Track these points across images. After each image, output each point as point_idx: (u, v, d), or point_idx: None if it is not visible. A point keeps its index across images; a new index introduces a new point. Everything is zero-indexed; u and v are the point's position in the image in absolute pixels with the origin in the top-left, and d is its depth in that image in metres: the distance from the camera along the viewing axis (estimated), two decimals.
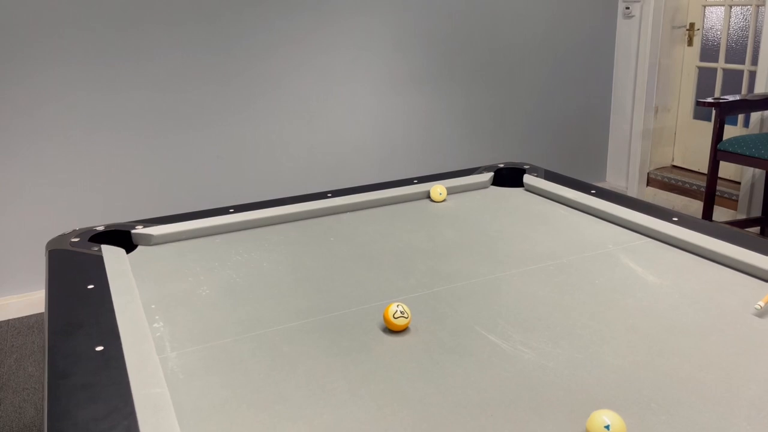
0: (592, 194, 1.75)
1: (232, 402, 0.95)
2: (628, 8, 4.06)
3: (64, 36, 2.87)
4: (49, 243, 1.51)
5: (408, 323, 1.12)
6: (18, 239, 2.98)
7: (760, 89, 3.46)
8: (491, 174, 1.99)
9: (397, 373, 1.00)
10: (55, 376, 0.96)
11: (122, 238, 1.58)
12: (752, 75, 3.70)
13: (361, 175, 3.65)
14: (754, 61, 3.69)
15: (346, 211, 1.78)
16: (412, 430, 0.87)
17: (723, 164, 3.83)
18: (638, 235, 1.54)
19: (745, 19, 3.75)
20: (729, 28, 3.83)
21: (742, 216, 3.65)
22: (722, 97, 3.24)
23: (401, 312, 1.12)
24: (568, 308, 1.20)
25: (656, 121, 4.14)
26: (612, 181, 4.41)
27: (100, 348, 1.04)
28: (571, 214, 1.70)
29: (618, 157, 4.33)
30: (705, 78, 4.03)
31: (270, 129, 3.36)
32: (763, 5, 3.61)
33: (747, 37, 3.75)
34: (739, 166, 3.65)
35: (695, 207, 3.94)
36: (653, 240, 1.50)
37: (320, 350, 1.08)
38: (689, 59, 4.08)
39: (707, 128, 4.02)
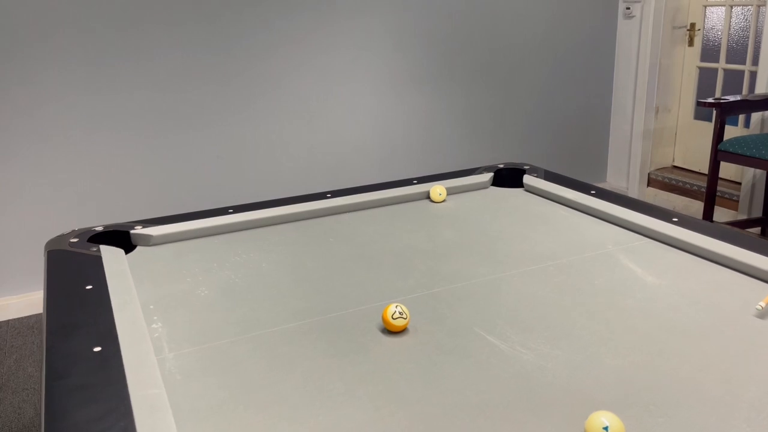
0: (592, 195, 1.75)
1: (229, 403, 0.94)
2: (628, 8, 4.06)
3: (64, 36, 2.86)
4: (48, 243, 1.51)
5: (407, 324, 1.12)
6: (18, 239, 2.98)
7: (760, 89, 3.46)
8: (491, 174, 1.98)
9: (395, 374, 1.00)
10: (53, 376, 0.96)
11: (121, 238, 1.58)
12: (753, 75, 3.70)
13: (361, 175, 3.64)
14: (755, 62, 3.68)
15: (345, 212, 1.78)
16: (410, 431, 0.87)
17: (724, 165, 3.83)
18: (638, 235, 1.53)
19: (746, 20, 3.75)
20: (730, 29, 3.82)
21: (742, 216, 3.65)
22: (723, 97, 3.24)
23: (400, 313, 1.11)
24: (568, 309, 1.19)
25: (657, 121, 4.14)
26: (612, 181, 4.41)
27: (97, 348, 1.03)
28: (571, 215, 1.70)
29: (618, 157, 4.33)
30: (706, 78, 4.02)
31: (270, 129, 3.36)
32: (764, 5, 3.61)
33: (748, 37, 3.74)
34: (740, 166, 3.64)
35: (696, 207, 3.94)
36: (653, 240, 1.50)
37: (318, 351, 1.08)
38: (690, 59, 4.07)
39: (708, 129, 4.01)
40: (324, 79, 3.43)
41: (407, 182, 1.93)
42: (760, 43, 3.58)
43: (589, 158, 4.34)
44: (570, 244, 1.50)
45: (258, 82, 3.28)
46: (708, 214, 3.29)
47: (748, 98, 3.22)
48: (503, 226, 1.63)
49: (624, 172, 4.31)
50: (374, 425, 0.88)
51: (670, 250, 1.44)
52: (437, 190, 1.84)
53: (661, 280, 1.29)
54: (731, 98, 3.21)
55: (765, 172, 3.47)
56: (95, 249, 1.46)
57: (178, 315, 1.22)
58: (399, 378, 0.99)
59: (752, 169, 3.55)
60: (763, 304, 1.15)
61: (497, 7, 3.76)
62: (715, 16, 3.94)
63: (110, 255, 1.44)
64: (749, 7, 3.71)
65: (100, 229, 1.58)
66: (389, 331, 1.13)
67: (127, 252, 1.54)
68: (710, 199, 3.28)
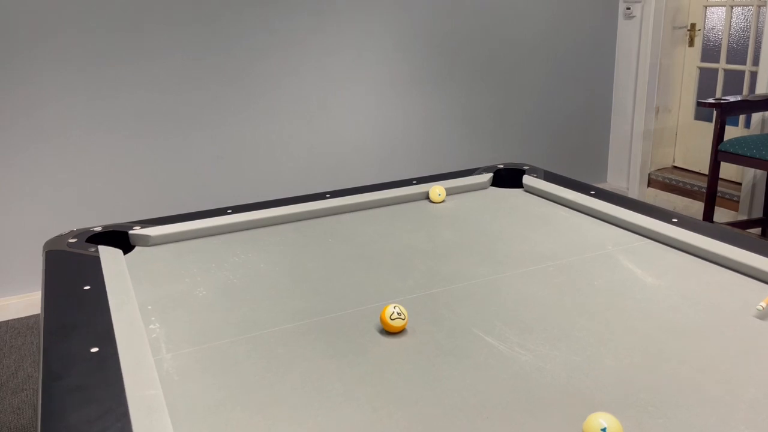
0: (592, 195, 1.74)
1: (226, 404, 0.94)
2: (629, 8, 4.06)
3: (64, 37, 2.86)
4: (47, 244, 1.50)
5: (405, 325, 1.12)
6: (18, 240, 2.98)
7: (761, 90, 3.45)
8: (490, 175, 1.98)
9: (393, 375, 1.00)
10: (50, 377, 0.96)
11: (120, 238, 1.58)
12: (753, 75, 3.69)
13: (361, 175, 3.64)
14: (755, 62, 3.68)
15: (344, 212, 1.78)
16: None
17: (724, 165, 3.82)
18: (638, 236, 1.53)
19: (746, 20, 3.74)
20: (730, 29, 3.82)
21: (743, 217, 3.64)
22: (723, 97, 3.23)
23: (398, 313, 1.11)
24: (567, 310, 1.19)
25: (657, 121, 4.14)
26: (613, 182, 4.40)
27: (95, 349, 1.03)
28: (571, 215, 1.69)
29: (619, 157, 4.33)
30: (706, 78, 4.02)
31: (270, 129, 3.36)
32: (765, 5, 3.60)
33: (748, 37, 3.74)
34: (741, 167, 3.64)
35: (696, 208, 3.93)
36: (653, 241, 1.49)
37: (316, 352, 1.07)
38: (690, 60, 4.07)
39: (708, 129, 4.01)
40: (324, 80, 3.42)
41: (407, 182, 1.92)
42: (760, 43, 3.57)
43: (590, 158, 4.34)
44: (569, 244, 1.50)
45: (258, 82, 3.28)
46: (708, 215, 3.28)
47: (748, 98, 3.22)
48: (503, 227, 1.63)
49: (624, 173, 4.31)
50: (372, 426, 0.88)
51: (669, 251, 1.44)
52: (436, 190, 1.84)
53: (660, 281, 1.29)
54: (731, 98, 3.21)
55: (765, 172, 3.46)
56: (93, 249, 1.46)
57: (177, 315, 1.22)
58: (397, 379, 0.99)
59: (752, 170, 3.54)
60: (763, 304, 1.14)
61: (497, 7, 3.76)
62: (716, 17, 3.93)
63: (108, 255, 1.43)
64: (749, 7, 3.71)
65: (98, 229, 1.58)
66: (387, 331, 1.12)
67: (125, 252, 1.53)
68: (710, 200, 3.27)
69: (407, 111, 3.67)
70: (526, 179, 1.92)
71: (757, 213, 3.56)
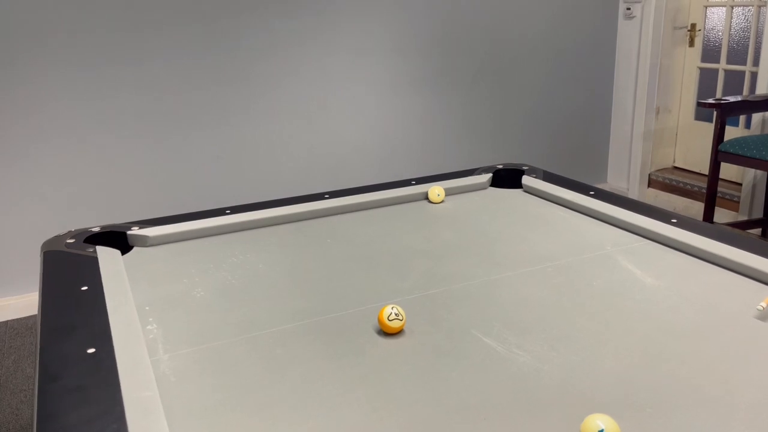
0: (591, 195, 1.74)
1: (224, 405, 0.94)
2: (629, 9, 4.05)
3: (63, 37, 2.86)
4: (45, 244, 1.50)
5: (402, 325, 1.11)
6: (17, 240, 2.97)
7: (761, 90, 3.45)
8: (490, 175, 1.97)
9: (390, 376, 0.99)
10: (46, 378, 0.95)
11: (118, 239, 1.57)
12: (753, 76, 3.69)
13: (361, 175, 3.64)
14: (756, 62, 3.67)
15: (343, 213, 1.77)
16: None
17: (724, 165, 3.82)
18: (637, 236, 1.53)
19: (747, 20, 3.74)
20: (730, 29, 3.81)
21: (743, 217, 3.64)
22: (723, 98, 3.23)
23: (396, 314, 1.10)
24: (565, 310, 1.18)
25: (657, 122, 4.13)
26: (613, 182, 4.40)
27: (91, 350, 1.03)
28: (570, 216, 1.69)
29: (619, 158, 4.32)
30: (706, 79, 4.02)
31: (270, 130, 3.36)
32: (765, 6, 3.60)
33: (748, 37, 3.73)
34: (741, 167, 3.63)
35: (696, 208, 3.93)
36: (652, 242, 1.49)
37: (314, 353, 1.07)
38: (690, 60, 4.06)
39: (708, 129, 4.00)
40: (323, 80, 3.42)
41: (405, 183, 1.92)
42: (760, 43, 3.57)
43: (590, 159, 4.33)
44: (568, 245, 1.50)
45: (258, 83, 3.27)
46: (708, 215, 3.28)
47: (748, 99, 3.21)
48: (501, 227, 1.63)
49: (624, 173, 4.31)
50: (370, 427, 0.87)
51: (669, 252, 1.43)
52: (436, 190, 1.83)
53: (659, 282, 1.29)
54: (731, 99, 3.20)
55: (765, 173, 3.46)
56: (91, 250, 1.46)
57: (174, 316, 1.21)
58: (395, 380, 0.98)
59: (753, 170, 3.54)
60: (764, 304, 1.14)
61: (497, 7, 3.75)
62: (716, 17, 3.93)
63: (106, 256, 1.43)
64: (750, 7, 3.70)
65: (96, 229, 1.57)
66: (385, 332, 1.12)
67: (123, 253, 1.53)
68: (711, 200, 3.27)
69: (407, 111, 3.67)
70: (526, 180, 1.92)
71: (758, 213, 3.56)
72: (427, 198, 1.87)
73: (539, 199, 1.84)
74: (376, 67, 3.53)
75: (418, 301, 1.24)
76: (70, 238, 1.52)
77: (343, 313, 1.21)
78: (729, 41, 3.83)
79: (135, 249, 1.56)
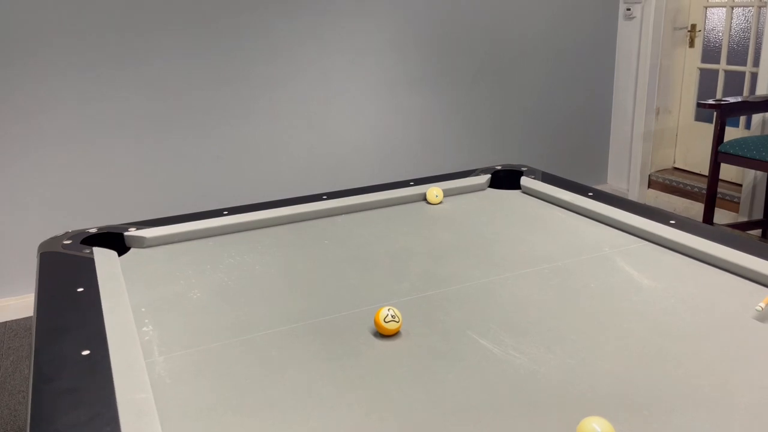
0: (590, 197, 1.74)
1: (218, 407, 0.93)
2: (629, 9, 4.05)
3: (63, 40, 2.86)
4: (41, 245, 1.50)
5: (399, 327, 1.11)
6: (16, 241, 2.97)
7: (761, 91, 3.44)
8: (488, 176, 1.97)
9: (386, 378, 0.99)
10: (40, 379, 0.95)
11: (115, 240, 1.57)
12: (754, 76, 3.68)
13: (361, 176, 3.63)
14: (756, 63, 3.67)
15: (341, 214, 1.77)
16: None
17: (724, 166, 3.81)
18: (635, 238, 1.52)
19: (747, 21, 3.73)
20: (730, 30, 3.81)
21: (743, 218, 3.63)
22: (723, 99, 3.22)
23: (392, 316, 1.10)
24: (562, 312, 1.18)
25: (657, 122, 4.13)
26: (613, 183, 4.39)
27: (86, 352, 1.02)
28: (568, 217, 1.68)
29: (619, 159, 4.32)
30: (706, 79, 4.01)
31: (270, 131, 3.35)
32: (765, 6, 3.59)
33: (749, 38, 3.73)
34: (741, 168, 3.63)
35: (696, 209, 3.92)
36: (650, 243, 1.48)
37: (310, 355, 1.07)
38: (690, 61, 4.06)
39: (709, 130, 3.99)
40: (323, 81, 3.42)
41: (404, 184, 1.92)
42: (760, 44, 3.56)
43: (590, 160, 4.33)
44: (566, 246, 1.49)
45: (257, 83, 3.27)
46: (708, 216, 3.27)
47: (748, 100, 3.21)
48: (499, 229, 1.62)
49: (625, 174, 4.30)
50: (366, 429, 0.87)
51: (667, 253, 1.43)
52: (434, 191, 1.83)
53: (657, 283, 1.28)
54: (731, 100, 3.19)
55: (766, 173, 3.45)
56: (88, 251, 1.45)
57: (170, 318, 1.21)
58: (390, 382, 0.98)
59: (753, 171, 3.53)
60: (762, 305, 1.13)
61: (497, 8, 3.75)
62: (716, 17, 3.92)
63: (103, 257, 1.43)
64: (750, 8, 3.70)
65: (93, 231, 1.57)
66: (381, 334, 1.12)
67: (121, 254, 1.53)
68: (711, 201, 3.26)
69: (406, 112, 3.67)
70: (524, 181, 1.92)
71: (758, 214, 3.55)
72: (425, 199, 1.86)
73: (538, 200, 1.84)
74: (376, 67, 3.53)
75: (415, 303, 1.24)
76: (67, 240, 1.52)
77: (339, 314, 1.20)
78: (729, 42, 3.82)
79: (132, 250, 1.56)
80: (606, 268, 1.36)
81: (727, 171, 3.86)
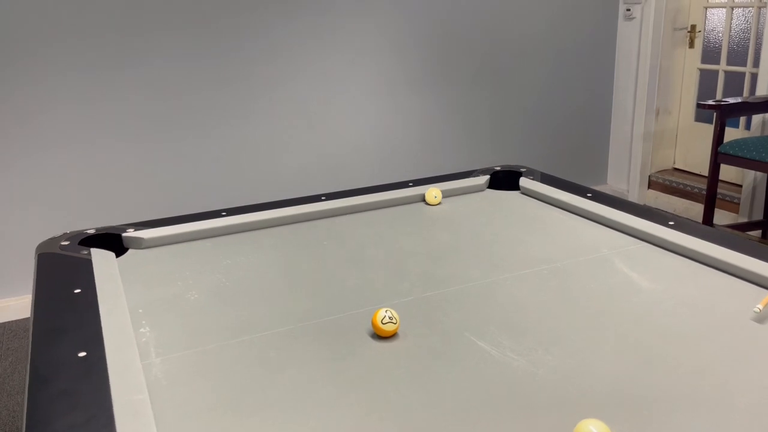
0: (588, 198, 1.73)
1: (215, 409, 0.93)
2: (628, 10, 4.04)
3: (62, 41, 2.86)
4: (39, 246, 1.50)
5: (396, 329, 1.11)
6: (16, 242, 2.97)
7: (761, 92, 3.44)
8: (487, 177, 1.97)
9: (383, 379, 0.99)
10: (36, 381, 0.95)
11: (113, 241, 1.57)
12: (754, 77, 3.68)
13: (361, 176, 3.63)
14: (756, 64, 3.66)
15: (339, 215, 1.77)
16: None
17: (725, 167, 3.81)
18: (634, 239, 1.52)
19: (747, 21, 3.73)
20: (730, 30, 3.81)
21: (743, 219, 3.63)
22: (723, 99, 3.22)
23: (389, 317, 1.10)
24: (560, 314, 1.18)
25: (657, 123, 4.12)
26: (613, 183, 4.39)
27: (82, 354, 1.02)
28: (567, 218, 1.68)
29: (619, 159, 4.31)
30: (706, 80, 4.01)
31: (269, 132, 3.35)
32: (765, 7, 3.59)
33: (748, 39, 3.72)
34: (741, 168, 3.62)
35: (697, 210, 3.92)
36: (649, 244, 1.48)
37: (307, 356, 1.06)
38: (690, 61, 4.05)
39: (709, 131, 3.99)
40: (323, 82, 3.42)
41: (402, 185, 1.91)
42: (760, 44, 3.56)
43: (590, 160, 4.32)
44: (565, 247, 1.49)
45: (257, 85, 3.27)
46: (708, 217, 3.27)
47: (748, 100, 3.20)
48: (498, 230, 1.62)
49: (624, 175, 4.30)
50: (364, 430, 0.87)
51: (666, 255, 1.42)
52: (432, 192, 1.83)
53: (656, 285, 1.28)
54: (731, 100, 3.19)
55: (766, 174, 3.45)
56: (86, 252, 1.45)
57: (168, 319, 1.21)
58: (387, 384, 0.98)
59: (753, 172, 3.53)
60: (761, 306, 1.13)
61: (496, 8, 3.75)
62: (716, 18, 3.92)
63: (101, 258, 1.42)
64: (750, 8, 3.70)
65: (91, 231, 1.57)
66: (379, 336, 1.11)
67: (118, 255, 1.52)
68: (710, 202, 3.26)
69: (406, 112, 3.66)
70: (523, 181, 1.91)
71: (758, 215, 3.55)
72: (424, 200, 1.86)
73: (536, 201, 1.84)
74: (376, 67, 3.53)
75: (414, 304, 1.23)
76: (65, 241, 1.52)
77: (337, 315, 1.20)
78: (729, 42, 3.82)
79: (130, 251, 1.55)
80: (605, 269, 1.36)
81: (727, 172, 3.86)
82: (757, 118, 3.56)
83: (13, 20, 2.76)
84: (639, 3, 3.97)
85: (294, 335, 1.13)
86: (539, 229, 1.61)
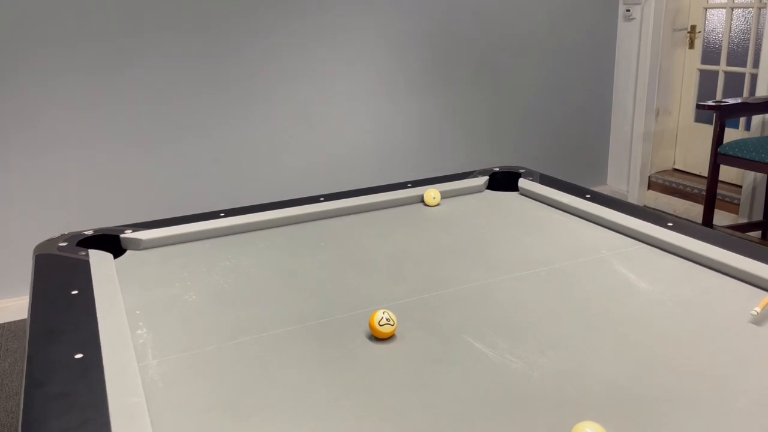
0: (587, 199, 1.73)
1: (211, 411, 0.93)
2: (628, 10, 4.04)
3: (62, 42, 2.86)
4: (37, 247, 1.49)
5: (394, 331, 1.10)
6: (15, 242, 2.97)
7: (761, 92, 3.44)
8: (486, 178, 1.96)
9: (380, 382, 0.98)
10: (32, 383, 0.95)
11: (111, 242, 1.57)
12: (753, 78, 3.68)
13: (360, 177, 3.63)
14: (756, 64, 3.66)
15: (338, 216, 1.76)
16: None
17: (725, 168, 3.80)
18: (633, 240, 1.51)
19: (747, 22, 3.73)
20: (730, 31, 3.80)
21: (743, 220, 3.62)
22: (723, 100, 3.22)
23: (387, 319, 1.10)
24: (558, 315, 1.17)
25: (657, 124, 4.12)
26: (613, 184, 4.39)
27: (79, 355, 1.02)
28: (566, 219, 1.68)
29: (619, 160, 4.31)
30: (706, 81, 4.00)
31: (269, 134, 3.35)
32: (765, 8, 3.59)
33: (748, 39, 3.72)
34: (741, 169, 3.62)
35: (696, 211, 3.91)
36: (648, 246, 1.48)
37: (304, 358, 1.06)
38: (690, 62, 4.05)
39: (709, 131, 3.99)
40: (322, 83, 3.41)
41: (401, 186, 1.91)
42: (760, 45, 3.55)
43: (590, 161, 4.32)
44: (564, 248, 1.49)
45: (257, 87, 3.27)
46: (708, 218, 3.26)
47: (748, 101, 3.20)
48: (497, 231, 1.62)
49: (624, 175, 4.29)
50: None
51: (664, 256, 1.42)
52: (431, 193, 1.82)
53: (654, 287, 1.28)
54: (731, 101, 3.19)
55: (765, 175, 3.44)
56: (84, 253, 1.45)
57: (165, 320, 1.21)
58: (384, 386, 0.97)
59: (753, 173, 3.52)
60: (758, 309, 1.13)
61: (496, 8, 3.75)
62: (716, 19, 3.92)
63: (98, 259, 1.42)
64: (750, 9, 3.69)
65: (89, 233, 1.57)
66: (376, 337, 1.11)
67: (116, 256, 1.52)
68: (710, 203, 3.26)
69: (405, 113, 3.66)
70: (522, 182, 1.91)
71: (758, 216, 3.54)
72: (422, 201, 1.86)
73: (535, 202, 1.83)
74: (375, 68, 3.52)
75: (412, 305, 1.23)
76: (63, 242, 1.51)
77: (335, 317, 1.20)
78: (729, 43, 3.82)
79: (128, 252, 1.55)
80: (603, 270, 1.36)
81: (727, 172, 3.85)
82: (756, 119, 3.56)
83: (14, 22, 2.76)
84: (639, 3, 3.97)
85: (291, 337, 1.13)
86: (538, 230, 1.61)
